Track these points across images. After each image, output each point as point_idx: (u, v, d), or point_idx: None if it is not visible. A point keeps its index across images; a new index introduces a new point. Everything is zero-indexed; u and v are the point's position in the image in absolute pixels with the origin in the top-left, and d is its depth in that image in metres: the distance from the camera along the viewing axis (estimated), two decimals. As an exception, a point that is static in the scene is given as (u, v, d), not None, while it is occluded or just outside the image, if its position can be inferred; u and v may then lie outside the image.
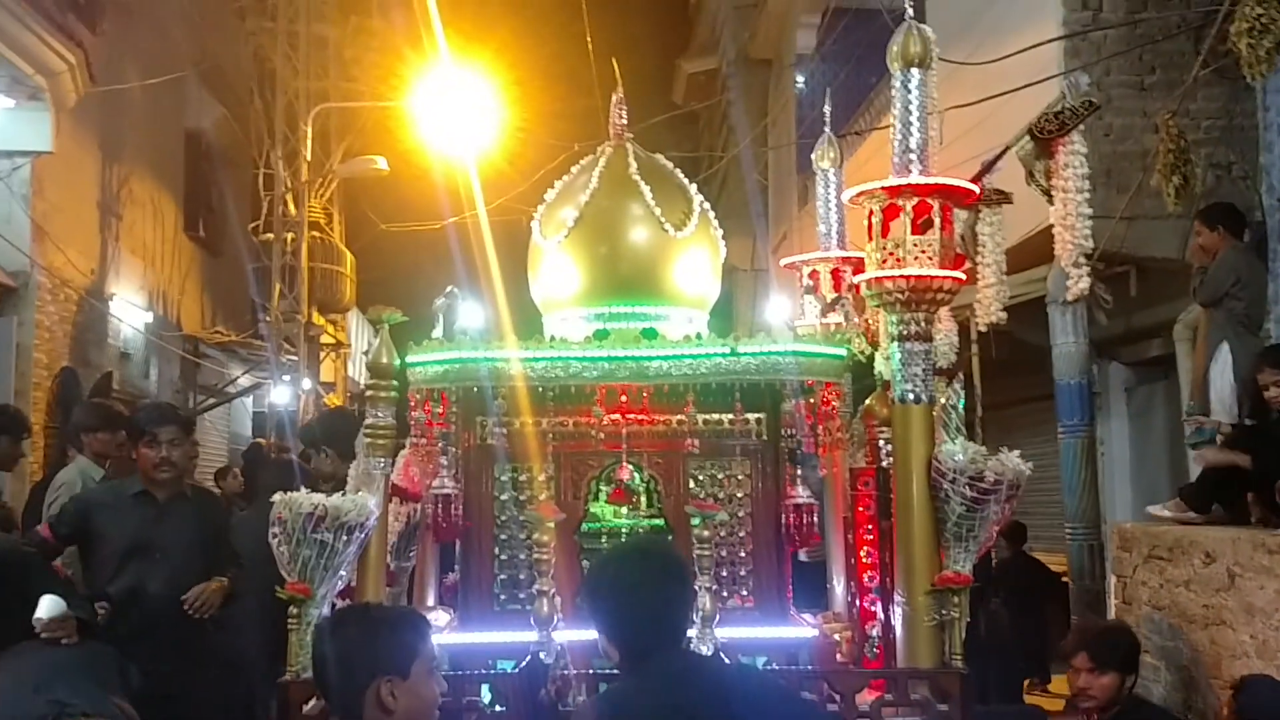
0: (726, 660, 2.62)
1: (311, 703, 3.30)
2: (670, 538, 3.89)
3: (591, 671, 3.34)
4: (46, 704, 3.35)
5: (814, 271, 4.43)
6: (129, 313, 10.62)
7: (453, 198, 12.19)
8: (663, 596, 2.51)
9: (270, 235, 13.43)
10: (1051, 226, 4.98)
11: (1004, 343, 8.20)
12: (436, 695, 2.50)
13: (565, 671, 3.30)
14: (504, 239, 10.09)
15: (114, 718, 3.45)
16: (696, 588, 2.70)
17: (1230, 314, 5.60)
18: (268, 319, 12.99)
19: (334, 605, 3.45)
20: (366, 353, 3.88)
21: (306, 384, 13.67)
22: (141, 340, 10.98)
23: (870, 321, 4.12)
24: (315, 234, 13.82)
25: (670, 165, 4.23)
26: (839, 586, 4.32)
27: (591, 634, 3.44)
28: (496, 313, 4.55)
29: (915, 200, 3.26)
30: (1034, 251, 6.73)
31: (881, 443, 3.98)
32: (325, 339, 15.04)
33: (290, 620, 3.35)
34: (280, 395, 13.15)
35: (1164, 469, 7.88)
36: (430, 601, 4.15)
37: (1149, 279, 7.35)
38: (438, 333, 3.94)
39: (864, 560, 3.99)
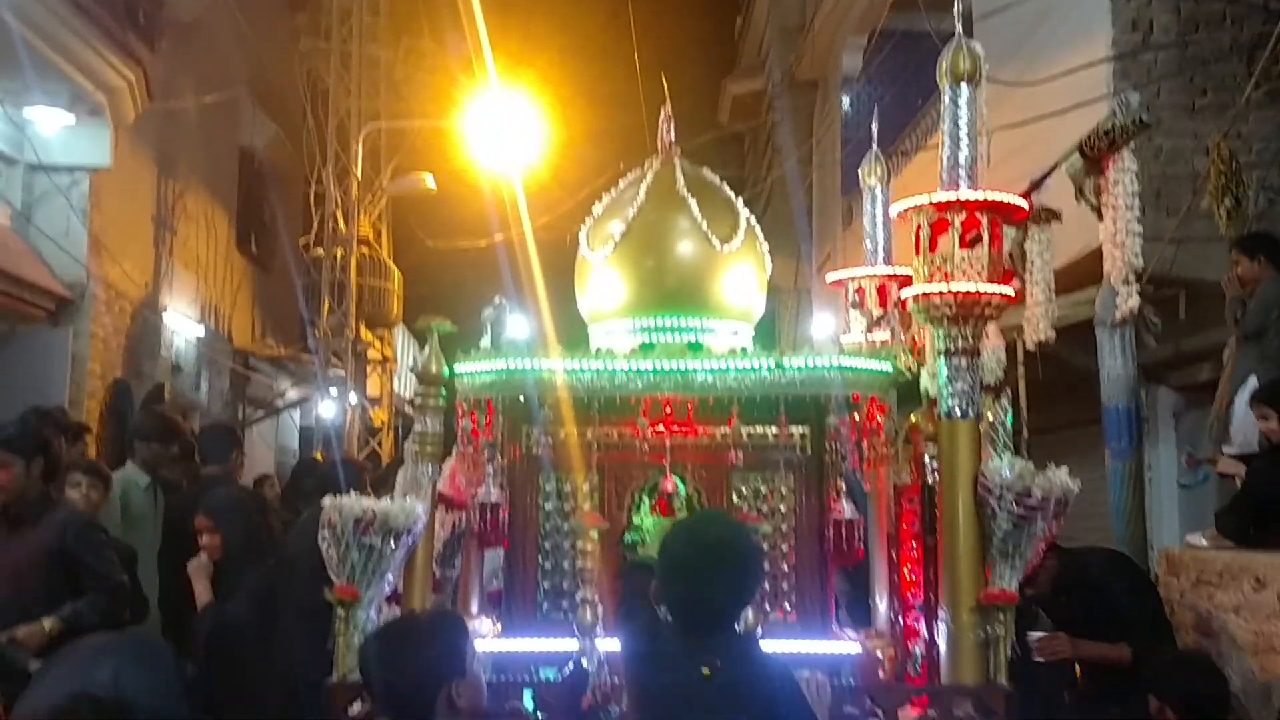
0: (767, 664, 2.62)
1: (357, 705, 3.34)
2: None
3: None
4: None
5: (860, 288, 4.43)
6: (181, 325, 10.81)
7: (499, 215, 12.33)
8: (709, 576, 2.58)
9: (320, 251, 13.62)
10: (1099, 248, 4.94)
11: (1051, 365, 8.13)
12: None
13: (607, 679, 3.32)
14: (549, 256, 10.18)
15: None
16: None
17: (1264, 348, 5.49)
18: (316, 333, 13.16)
19: (380, 610, 3.50)
20: (413, 368, 3.94)
21: (353, 398, 13.82)
22: (193, 353, 11.17)
23: (917, 337, 4.12)
24: (364, 250, 13.99)
25: (717, 180, 4.26)
26: (882, 604, 4.30)
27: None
28: (542, 326, 4.59)
29: (963, 215, 3.26)
30: (1082, 273, 6.68)
31: (927, 459, 3.97)
32: (372, 354, 15.20)
33: (338, 623, 3.40)
34: (327, 409, 13.30)
35: (1212, 495, 7.75)
36: (474, 609, 4.18)
37: (1198, 303, 7.26)
38: (485, 343, 3.99)
39: (908, 577, 3.98)
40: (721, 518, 3.02)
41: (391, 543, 3.38)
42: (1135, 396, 7.30)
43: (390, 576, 3.48)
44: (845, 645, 3.85)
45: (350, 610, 3.37)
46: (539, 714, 3.34)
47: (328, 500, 3.44)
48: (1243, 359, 5.57)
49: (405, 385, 17.09)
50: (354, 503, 3.38)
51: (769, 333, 3.94)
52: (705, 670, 2.52)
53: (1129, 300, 4.62)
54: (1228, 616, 4.63)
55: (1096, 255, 5.31)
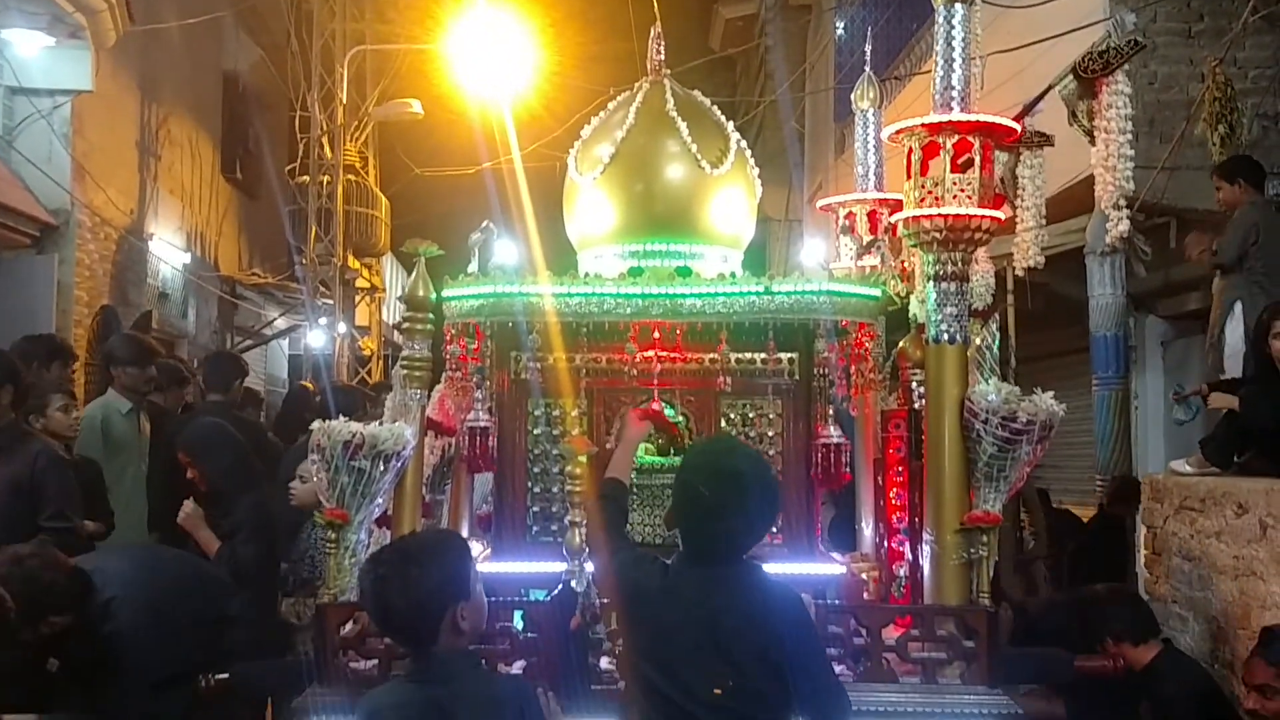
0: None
1: (349, 625, 3.38)
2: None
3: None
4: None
5: (850, 214, 4.40)
6: (167, 253, 10.73)
7: (487, 143, 12.18)
8: (727, 508, 2.57)
9: (306, 178, 13.48)
10: (1091, 176, 4.91)
11: (1040, 295, 8.14)
12: (485, 600, 2.67)
13: (595, 600, 3.36)
14: (538, 184, 10.09)
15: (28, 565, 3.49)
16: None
17: (1249, 274, 5.49)
18: (303, 262, 13.08)
19: (371, 532, 3.53)
20: (401, 298, 3.92)
21: (342, 328, 13.78)
22: (180, 280, 11.11)
23: (906, 263, 4.11)
24: (350, 177, 13.85)
25: (707, 102, 4.20)
26: (867, 528, 4.35)
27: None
28: (531, 252, 4.57)
29: (956, 138, 3.23)
30: (1073, 202, 6.65)
31: (914, 385, 3.99)
32: (360, 283, 15.13)
33: (329, 544, 3.43)
34: (316, 338, 13.27)
35: (1197, 423, 7.82)
36: (465, 532, 4.22)
37: (1189, 231, 7.25)
38: (473, 267, 3.96)
39: (893, 501, 4.02)
40: (741, 448, 2.96)
41: (381, 466, 3.39)
42: (1124, 325, 7.35)
43: (380, 500, 3.50)
44: (831, 567, 3.90)
45: (341, 532, 3.40)
46: (528, 634, 3.38)
47: (317, 424, 3.44)
48: (1228, 287, 5.58)
49: (394, 314, 17.04)
50: (343, 426, 3.39)
51: (759, 263, 3.92)
52: (717, 691, 2.51)
53: (1119, 225, 4.61)
54: (1210, 541, 4.70)
55: (1088, 184, 5.27)
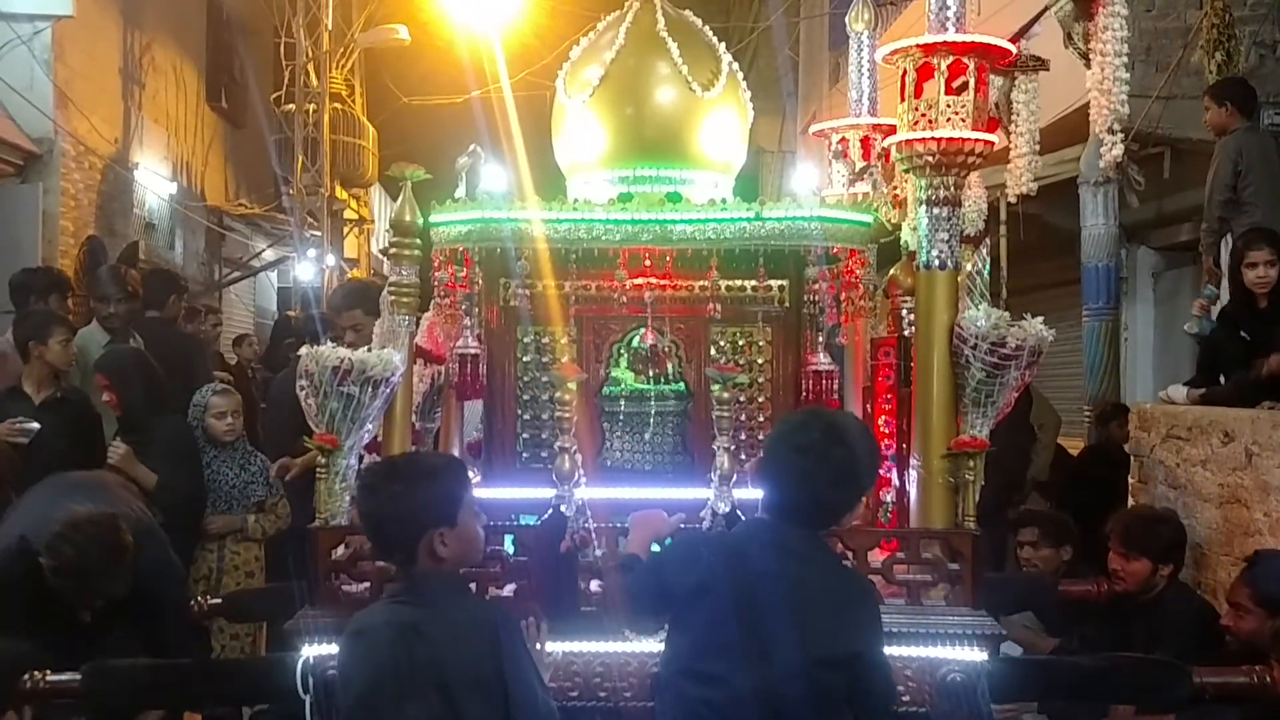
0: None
1: (339, 549, 3.40)
2: (691, 402, 3.94)
3: (610, 525, 3.42)
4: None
5: (843, 139, 4.35)
6: (153, 182, 10.61)
7: (476, 70, 12.01)
8: (833, 479, 2.58)
9: (292, 107, 13.29)
10: (1085, 106, 4.86)
11: (1032, 226, 8.12)
12: (480, 535, 2.66)
13: (585, 525, 3.38)
14: (528, 113, 9.96)
15: (104, 522, 3.60)
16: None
17: (1243, 205, 5.45)
18: (290, 192, 12.95)
19: (362, 458, 3.54)
20: (389, 230, 3.88)
21: (330, 259, 13.69)
22: (166, 210, 11.00)
23: (899, 191, 4.07)
24: (337, 106, 13.66)
25: (699, 23, 4.12)
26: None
27: (608, 491, 3.57)
28: (519, 180, 4.51)
29: (950, 59, 3.19)
30: (1067, 132, 6.61)
31: (904, 312, 3.98)
32: (348, 214, 15.01)
33: (320, 470, 3.43)
34: (304, 270, 13.20)
35: (1186, 354, 7.85)
36: (454, 459, 4.23)
37: (1183, 161, 7.22)
38: (460, 193, 3.92)
39: (881, 429, 4.03)
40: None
41: (370, 391, 3.39)
42: (1115, 256, 7.35)
43: (369, 425, 3.49)
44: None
45: (331, 457, 3.40)
46: (519, 557, 3.41)
47: (304, 350, 3.43)
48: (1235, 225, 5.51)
49: (382, 245, 16.92)
50: (330, 351, 3.37)
51: (752, 194, 3.86)
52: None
53: (1113, 149, 4.57)
54: (1195, 469, 4.75)
55: (1082, 113, 5.21)
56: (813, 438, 2.59)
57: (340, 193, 14.07)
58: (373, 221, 16.26)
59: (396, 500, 2.54)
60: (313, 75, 13.20)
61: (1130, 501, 5.27)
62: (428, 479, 2.58)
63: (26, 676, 3.27)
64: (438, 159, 4.10)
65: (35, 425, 4.70)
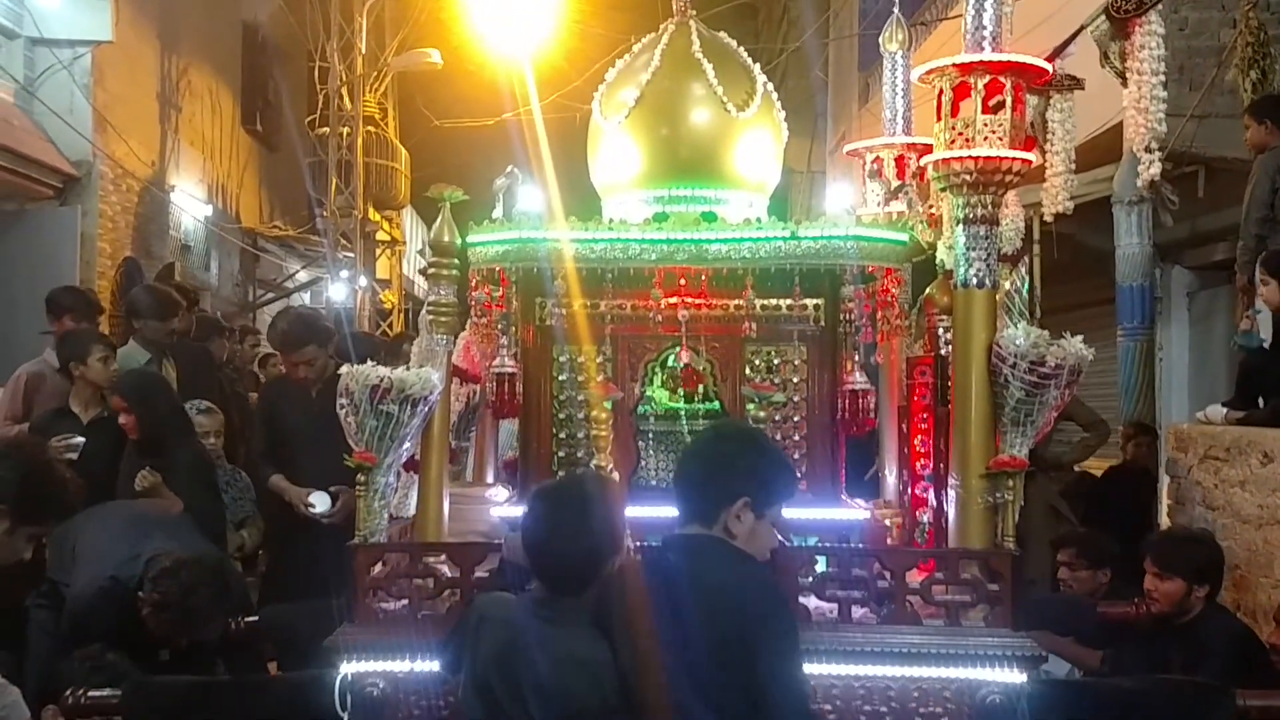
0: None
1: (378, 567, 3.42)
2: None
3: (646, 544, 3.42)
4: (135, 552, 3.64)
5: (878, 159, 4.35)
6: (189, 205, 10.76)
7: (507, 93, 12.10)
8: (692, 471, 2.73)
9: (325, 130, 13.44)
10: (1119, 125, 4.86)
11: (1066, 246, 8.09)
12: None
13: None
14: (558, 136, 10.02)
15: (210, 563, 3.67)
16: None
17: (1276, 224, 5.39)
18: (324, 214, 13.09)
19: (399, 475, 3.56)
20: (422, 251, 3.92)
21: (363, 281, 13.81)
22: (202, 233, 11.14)
23: (934, 209, 4.07)
24: (370, 129, 13.80)
25: (734, 44, 4.15)
26: (890, 475, 4.35)
27: (646, 509, 3.58)
28: (553, 202, 4.54)
29: (987, 78, 3.19)
30: (1101, 150, 6.58)
31: (940, 331, 3.97)
32: (381, 236, 15.13)
33: (359, 488, 3.45)
34: (337, 291, 13.31)
35: (1222, 375, 7.78)
36: (490, 478, 4.25)
37: (1217, 181, 7.17)
38: (498, 213, 3.95)
39: (917, 448, 4.02)
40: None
41: (408, 410, 3.41)
42: (1150, 275, 7.29)
43: (408, 444, 3.51)
44: (855, 513, 3.91)
45: (369, 475, 3.42)
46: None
47: (345, 369, 3.46)
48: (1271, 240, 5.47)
49: (414, 268, 17.06)
50: (370, 370, 3.40)
51: (781, 215, 3.87)
52: None
53: (1150, 168, 4.54)
54: (1234, 491, 4.69)
55: (1116, 132, 5.21)
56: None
57: (373, 214, 14.20)
58: (404, 243, 16.38)
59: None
60: (346, 99, 13.36)
61: (1166, 523, 5.22)
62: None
63: (68, 693, 3.31)
64: (469, 181, 4.13)
65: (80, 439, 4.74)
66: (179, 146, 10.62)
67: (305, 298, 14.66)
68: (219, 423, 5.20)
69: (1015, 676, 3.18)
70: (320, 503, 4.89)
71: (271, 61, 12.97)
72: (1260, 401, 4.98)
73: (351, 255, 13.39)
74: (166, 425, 4.78)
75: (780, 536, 3.19)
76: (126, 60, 9.36)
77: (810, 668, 2.89)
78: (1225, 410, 5.00)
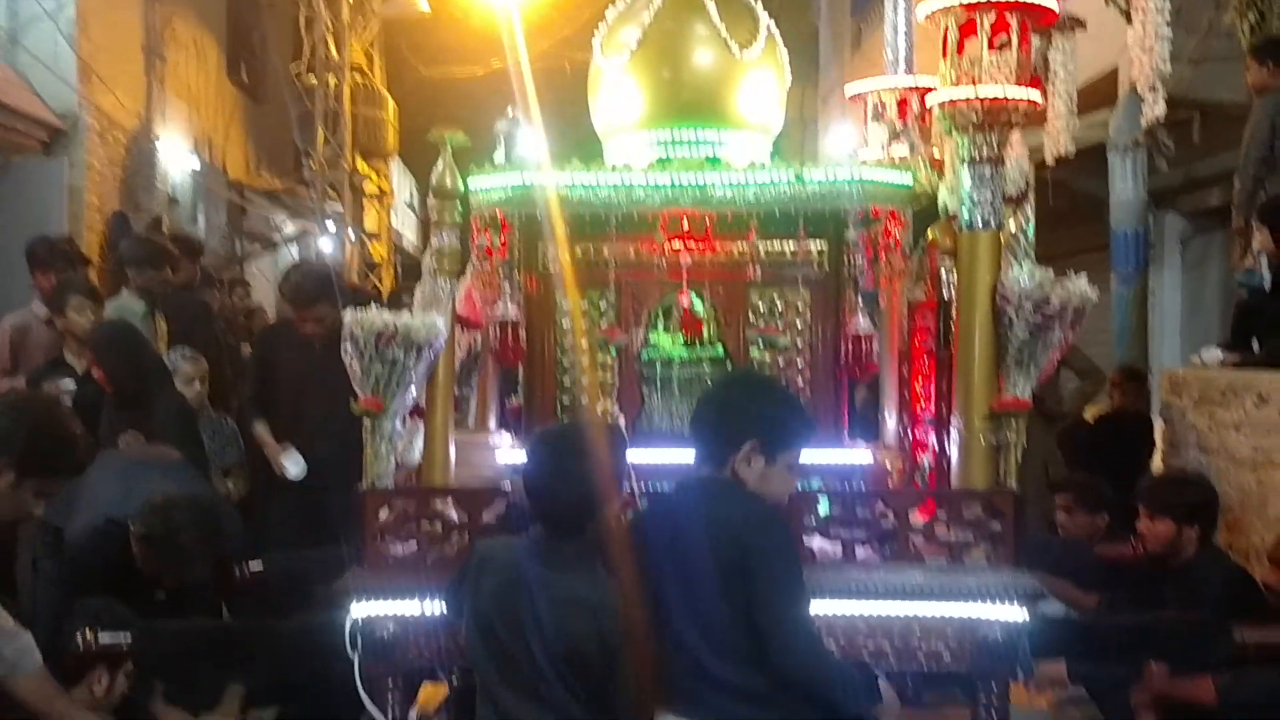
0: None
1: (384, 511, 3.43)
2: (729, 365, 3.95)
3: (651, 487, 3.45)
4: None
5: (880, 100, 4.32)
6: (176, 157, 10.63)
7: (495, 42, 11.94)
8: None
9: (312, 79, 13.25)
10: (1114, 71, 4.83)
11: (1060, 192, 8.06)
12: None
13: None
14: (547, 86, 9.91)
15: (203, 504, 3.68)
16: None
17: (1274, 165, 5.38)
18: (311, 165, 12.95)
19: (405, 421, 3.56)
20: (410, 204, 3.89)
21: (351, 233, 13.71)
22: (189, 185, 11.02)
23: (937, 151, 4.05)
24: (357, 78, 13.63)
25: (737, -19, 4.09)
26: (891, 418, 4.37)
27: (651, 453, 3.60)
28: (547, 147, 4.50)
29: (992, 16, 3.17)
30: (1096, 95, 6.56)
31: (944, 274, 3.97)
32: (369, 188, 15.00)
33: (366, 433, 3.46)
34: (325, 244, 13.21)
35: (1215, 321, 7.82)
36: (493, 425, 4.25)
37: (1212, 126, 7.16)
38: (499, 157, 3.92)
39: (918, 392, 4.03)
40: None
41: (414, 355, 3.40)
42: (1144, 221, 7.30)
43: (413, 390, 3.51)
44: (858, 455, 3.94)
45: (376, 421, 3.43)
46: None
47: (349, 314, 3.45)
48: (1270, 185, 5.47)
49: (402, 220, 16.95)
50: (376, 316, 3.39)
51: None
52: None
53: (1154, 107, 4.52)
54: (1228, 433, 4.73)
55: (1111, 77, 5.17)
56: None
57: (361, 165, 14.06)
58: (393, 195, 16.26)
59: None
60: (332, 47, 13.17)
61: (1159, 467, 5.27)
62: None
63: (79, 635, 3.33)
64: (457, 130, 4.09)
65: (70, 381, 4.73)
66: (165, 97, 10.46)
67: (293, 250, 14.55)
68: (203, 370, 5.17)
69: (1017, 614, 3.22)
70: (294, 465, 4.89)
71: (256, 9, 12.75)
72: (1255, 343, 5.00)
73: (339, 207, 13.28)
74: (141, 378, 4.69)
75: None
76: (110, 9, 9.19)
77: (814, 605, 2.93)
78: (1221, 353, 5.02)
